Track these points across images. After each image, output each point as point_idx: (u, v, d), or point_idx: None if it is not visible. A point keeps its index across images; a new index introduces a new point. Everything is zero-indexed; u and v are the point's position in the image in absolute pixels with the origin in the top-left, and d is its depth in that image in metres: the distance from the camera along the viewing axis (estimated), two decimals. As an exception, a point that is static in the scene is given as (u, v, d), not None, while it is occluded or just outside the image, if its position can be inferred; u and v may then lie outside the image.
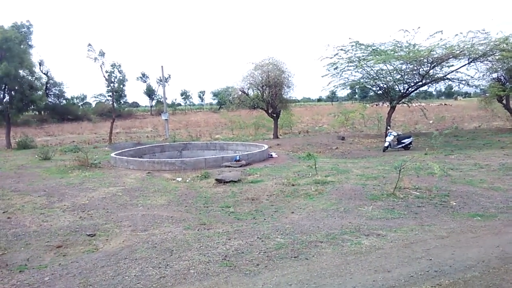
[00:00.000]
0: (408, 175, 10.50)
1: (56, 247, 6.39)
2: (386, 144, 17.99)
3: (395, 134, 18.44)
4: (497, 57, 20.99)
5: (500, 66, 23.50)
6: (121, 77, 26.75)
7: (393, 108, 23.00)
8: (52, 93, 60.19)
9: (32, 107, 27.22)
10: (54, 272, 5.34)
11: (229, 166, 13.76)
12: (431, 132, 22.09)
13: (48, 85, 57.51)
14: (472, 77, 22.85)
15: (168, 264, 5.45)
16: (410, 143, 18.15)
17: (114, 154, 15.71)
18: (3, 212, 8.63)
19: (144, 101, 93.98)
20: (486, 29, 28.35)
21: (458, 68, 21.75)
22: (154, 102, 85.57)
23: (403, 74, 22.23)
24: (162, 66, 28.77)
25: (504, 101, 25.49)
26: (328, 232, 6.67)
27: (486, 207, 7.97)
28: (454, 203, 8.30)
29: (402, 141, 18.15)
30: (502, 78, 25.27)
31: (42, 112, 53.98)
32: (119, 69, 26.05)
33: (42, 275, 5.25)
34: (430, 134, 17.66)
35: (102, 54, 23.64)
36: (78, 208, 8.92)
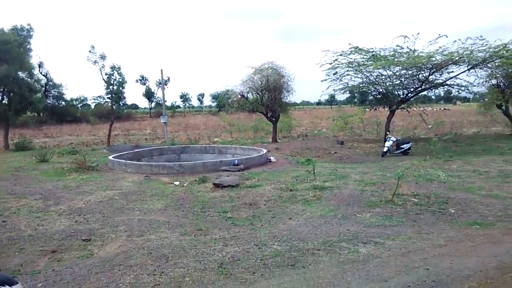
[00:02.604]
0: (407, 181, 10.44)
1: (50, 252, 6.33)
2: (385, 149, 17.90)
3: (394, 139, 18.36)
4: (496, 64, 21.00)
5: (500, 73, 23.59)
6: (120, 79, 26.77)
7: (392, 113, 22.96)
8: (51, 94, 60.27)
9: (31, 108, 27.22)
10: (47, 279, 5.28)
11: (227, 170, 13.70)
12: (430, 137, 22.05)
13: (47, 87, 57.58)
14: (471, 84, 22.89)
15: (163, 272, 5.39)
16: (409, 148, 18.07)
17: (112, 157, 15.64)
18: (-1, 216, 8.57)
19: (143, 103, 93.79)
20: (483, 35, 28.37)
21: (457, 74, 21.77)
22: (153, 104, 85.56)
23: (402, 79, 22.22)
24: (161, 70, 28.95)
25: (503, 107, 25.51)
26: (325, 239, 6.62)
27: (485, 215, 7.92)
28: (453, 211, 8.26)
29: (401, 146, 18.07)
30: (501, 84, 25.34)
31: (41, 114, 53.98)
32: (119, 72, 26.03)
33: (35, 282, 5.19)
34: (429, 140, 17.62)
35: (103, 57, 23.53)
36: (74, 212, 8.87)
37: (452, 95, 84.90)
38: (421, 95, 27.02)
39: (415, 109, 25.51)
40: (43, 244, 6.75)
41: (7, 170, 14.97)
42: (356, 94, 34.47)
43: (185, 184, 11.82)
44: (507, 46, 20.04)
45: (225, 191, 10.68)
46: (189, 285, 4.98)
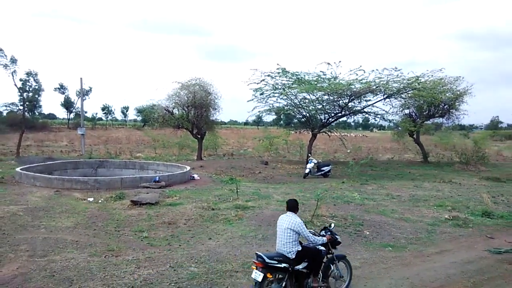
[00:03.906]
0: (326, 203, 10.72)
1: None
2: (307, 171, 18.43)
3: (316, 161, 18.99)
4: (409, 95, 22.70)
5: (412, 103, 25.61)
6: (37, 87, 24.96)
7: (314, 136, 23.76)
8: (-46, 98, 54.61)
9: None
10: None
11: (147, 187, 13.15)
12: (348, 161, 23.08)
13: (-51, 89, 52.15)
14: (387, 112, 24.44)
15: (65, 297, 4.89)
16: (329, 171, 18.76)
17: (20, 169, 14.35)
18: None
19: (62, 113, 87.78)
20: (398, 67, 30.58)
21: (374, 103, 23.13)
22: (72, 115, 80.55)
23: (324, 104, 23.13)
24: (81, 78, 27.37)
25: (414, 136, 27.56)
26: (244, 260, 6.49)
27: (397, 238, 8.30)
28: (368, 233, 8.56)
29: (322, 168, 18.71)
30: (413, 114, 27.48)
31: None
32: (35, 78, 24.33)
33: None
34: (347, 163, 18.43)
35: (14, 61, 21.76)
36: (-32, 229, 7.90)
37: (369, 122, 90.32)
38: (341, 120, 28.30)
39: (335, 133, 26.66)
40: None
41: None
42: (282, 116, 35.21)
43: (99, 201, 11.11)
44: (419, 78, 21.82)
45: (143, 209, 10.18)
46: (94, 312, 4.56)
